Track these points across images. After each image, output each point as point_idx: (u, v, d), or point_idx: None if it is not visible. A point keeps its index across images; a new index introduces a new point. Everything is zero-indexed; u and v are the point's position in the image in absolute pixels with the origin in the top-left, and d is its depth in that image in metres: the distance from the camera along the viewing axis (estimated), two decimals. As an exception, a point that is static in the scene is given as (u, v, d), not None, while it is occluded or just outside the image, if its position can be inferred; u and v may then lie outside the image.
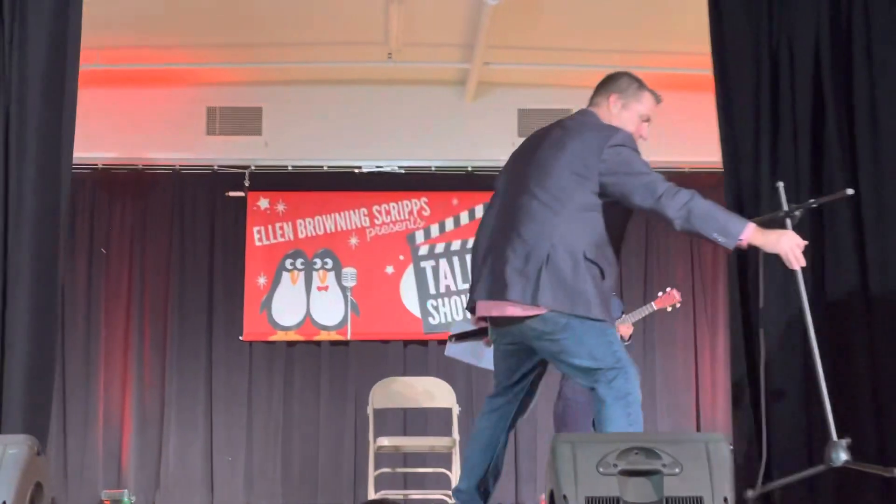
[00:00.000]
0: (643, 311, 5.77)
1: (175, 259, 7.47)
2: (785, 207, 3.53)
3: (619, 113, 3.53)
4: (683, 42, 5.80)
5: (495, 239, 3.44)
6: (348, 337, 7.43)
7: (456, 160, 7.57)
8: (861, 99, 4.12)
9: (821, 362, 3.36)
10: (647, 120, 3.58)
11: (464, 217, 7.55)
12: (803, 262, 3.28)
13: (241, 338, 7.41)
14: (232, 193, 7.55)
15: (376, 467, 6.06)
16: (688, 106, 6.56)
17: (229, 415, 7.32)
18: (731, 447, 3.53)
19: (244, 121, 7.50)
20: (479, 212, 7.41)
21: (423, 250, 7.54)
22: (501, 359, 3.53)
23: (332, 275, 7.52)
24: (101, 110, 7.05)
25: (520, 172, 3.48)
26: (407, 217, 7.57)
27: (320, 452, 7.29)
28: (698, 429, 7.23)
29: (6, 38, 4.00)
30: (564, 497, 2.67)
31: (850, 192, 3.56)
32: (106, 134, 7.21)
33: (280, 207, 7.56)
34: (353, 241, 7.55)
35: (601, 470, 2.70)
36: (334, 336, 7.43)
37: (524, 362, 3.49)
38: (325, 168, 7.59)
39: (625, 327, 5.47)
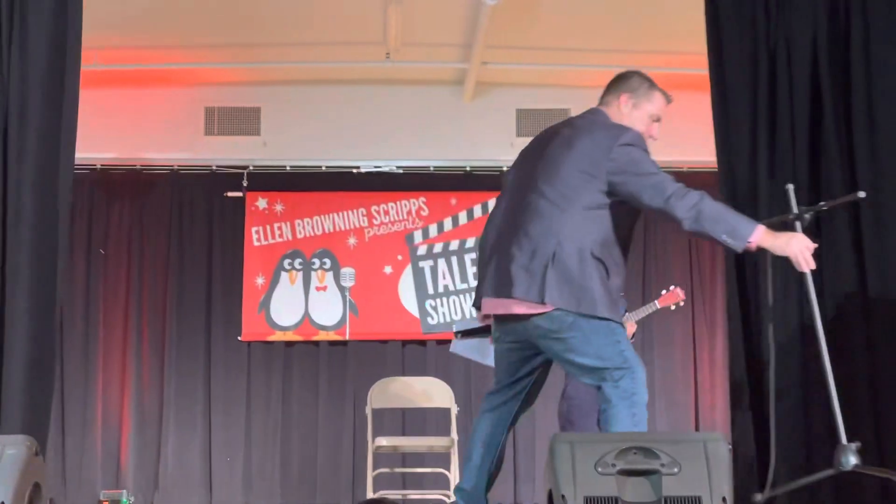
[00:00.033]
0: (647, 310, 5.75)
1: (173, 259, 7.46)
2: (795, 210, 3.53)
3: (630, 112, 3.52)
4: (682, 42, 5.79)
5: (502, 236, 3.43)
6: (347, 337, 7.42)
7: (454, 160, 7.55)
8: (859, 99, 4.13)
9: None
10: (658, 120, 3.57)
11: (462, 217, 7.53)
12: (813, 265, 3.28)
13: (239, 338, 7.40)
14: (230, 193, 7.54)
15: (375, 467, 6.05)
16: (687, 105, 6.46)
17: (228, 415, 7.31)
18: (730, 447, 3.54)
19: (242, 121, 7.50)
20: (478, 212, 7.42)
21: (422, 250, 7.53)
22: (503, 356, 3.53)
23: (330, 275, 7.51)
24: (100, 111, 7.02)
25: (528, 170, 3.47)
26: (405, 217, 7.56)
27: (319, 452, 7.28)
28: (697, 428, 7.23)
29: (6, 38, 4.00)
30: (563, 497, 2.68)
31: (861, 194, 3.56)
32: (104, 134, 7.18)
33: (278, 207, 7.55)
34: (352, 241, 7.55)
35: (599, 470, 2.71)
36: (333, 336, 7.43)
37: (526, 362, 3.49)
38: (324, 168, 7.58)
39: (629, 326, 5.47)
